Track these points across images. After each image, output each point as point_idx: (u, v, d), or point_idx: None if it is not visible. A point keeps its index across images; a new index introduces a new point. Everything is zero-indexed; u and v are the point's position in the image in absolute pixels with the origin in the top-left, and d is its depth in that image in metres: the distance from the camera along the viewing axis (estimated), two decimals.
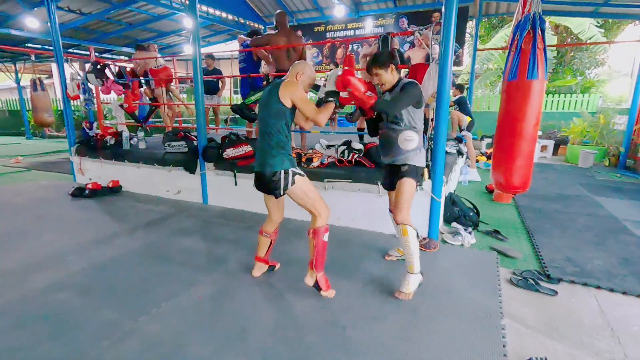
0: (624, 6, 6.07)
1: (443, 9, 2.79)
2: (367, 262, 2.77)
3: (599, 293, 2.35)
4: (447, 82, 2.83)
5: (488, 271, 2.62)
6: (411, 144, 2.26)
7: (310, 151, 3.84)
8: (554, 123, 8.75)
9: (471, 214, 3.47)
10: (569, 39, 10.72)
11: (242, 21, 9.10)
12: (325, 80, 2.32)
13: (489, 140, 8.28)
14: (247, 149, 3.89)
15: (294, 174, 2.15)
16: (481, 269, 2.66)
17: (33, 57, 7.47)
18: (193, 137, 4.60)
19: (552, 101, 9.18)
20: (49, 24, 5.11)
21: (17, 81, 12.51)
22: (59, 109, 12.38)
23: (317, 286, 2.26)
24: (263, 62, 4.91)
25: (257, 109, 4.24)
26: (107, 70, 5.32)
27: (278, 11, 4.10)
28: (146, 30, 9.31)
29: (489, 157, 7.18)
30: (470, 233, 3.16)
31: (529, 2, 2.69)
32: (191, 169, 4.26)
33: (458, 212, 3.48)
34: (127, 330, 1.93)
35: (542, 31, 2.53)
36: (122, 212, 4.02)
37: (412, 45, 8.26)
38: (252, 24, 9.39)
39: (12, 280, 2.46)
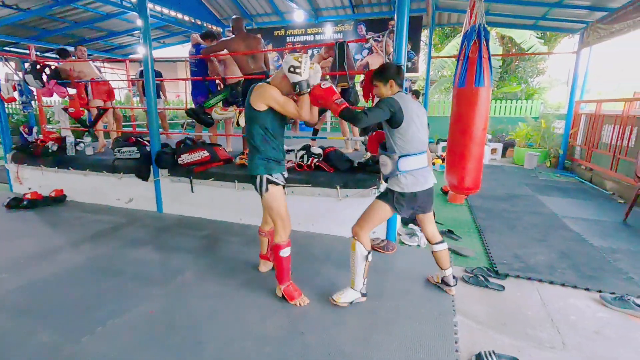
0: (559, 20, 6.63)
1: (395, 18, 2.88)
2: (328, 266, 2.77)
3: (541, 286, 2.52)
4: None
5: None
6: (384, 168, 2.18)
7: None
8: (502, 127, 9.35)
9: None
10: (514, 49, 11.54)
11: (200, 23, 8.85)
12: (295, 68, 1.98)
13: (444, 143, 8.68)
14: (203, 154, 3.77)
15: (268, 181, 2.16)
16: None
17: None
18: (145, 143, 4.37)
19: (500, 107, 9.81)
20: None
21: None
22: None
23: (284, 297, 2.26)
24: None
25: (213, 114, 4.15)
26: (47, 71, 4.93)
27: (234, 17, 4.04)
28: (94, 29, 8.76)
29: (444, 160, 7.51)
30: None
31: (474, 14, 2.85)
32: (144, 176, 4.04)
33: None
34: (68, 354, 1.78)
35: (487, 41, 2.68)
36: (67, 224, 3.73)
37: (371, 51, 8.50)
38: (209, 26, 9.16)
39: None
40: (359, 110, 2.04)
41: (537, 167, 7.36)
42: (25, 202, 4.23)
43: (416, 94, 6.15)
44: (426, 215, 2.33)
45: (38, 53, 9.08)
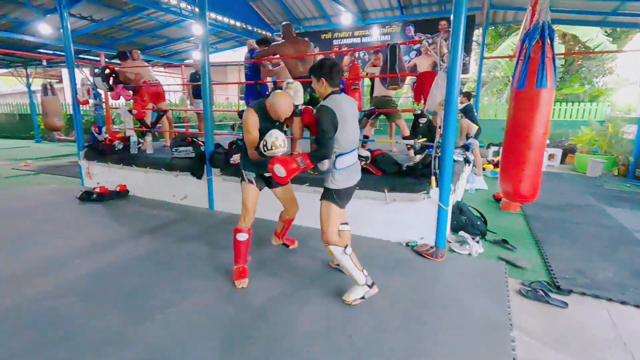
0: (633, 15, 6.03)
1: (451, 18, 2.78)
2: (373, 270, 2.73)
3: (610, 305, 2.30)
4: (455, 90, 2.82)
5: (496, 281, 2.58)
6: (322, 166, 2.23)
7: None
8: (561, 132, 8.68)
9: (479, 222, 3.43)
10: (577, 48, 10.68)
11: (250, 28, 9.19)
12: (267, 148, 2.25)
13: (496, 148, 8.23)
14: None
15: (242, 176, 2.57)
16: (489, 279, 2.62)
17: (45, 63, 7.60)
18: (200, 143, 4.62)
19: (560, 109, 9.11)
20: (61, 30, 5.20)
21: (28, 86, 12.72)
22: (68, 113, 12.56)
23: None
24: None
25: None
26: (114, 76, 5.38)
27: (284, 23, 4.15)
28: (155, 37, 9.43)
29: (495, 165, 7.13)
30: (478, 242, 3.12)
31: (537, 11, 2.69)
32: (198, 175, 4.27)
33: (465, 221, 3.45)
34: (131, 337, 1.92)
35: (551, 40, 2.52)
36: (129, 217, 4.03)
37: (419, 53, 8.30)
38: (259, 31, 9.49)
39: (16, 284, 2.47)
40: (318, 155, 2.14)
41: (601, 176, 6.74)
42: (94, 196, 4.64)
43: (467, 95, 5.91)
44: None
45: (107, 59, 9.99)
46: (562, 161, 8.21)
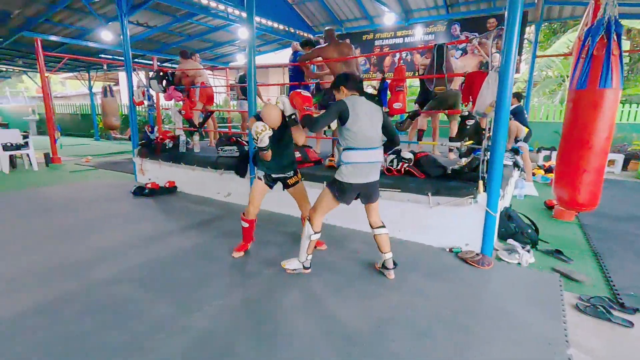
0: None
1: (506, 14, 2.65)
2: (413, 274, 2.68)
3: None
4: (508, 91, 2.69)
5: (550, 294, 2.42)
6: (336, 157, 2.45)
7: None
8: (623, 135, 7.97)
9: (529, 231, 3.24)
10: None
11: (293, 31, 9.35)
12: (257, 138, 2.51)
13: (547, 152, 7.73)
14: (296, 155, 3.96)
15: (255, 176, 2.90)
16: (542, 291, 2.47)
17: (105, 67, 8.24)
18: (244, 142, 4.77)
19: (623, 111, 8.37)
20: (120, 36, 5.60)
21: (90, 88, 13.83)
22: (123, 113, 13.50)
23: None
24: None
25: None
26: (168, 77, 5.71)
27: (326, 27, 4.21)
28: (203, 41, 9.89)
29: (547, 171, 6.71)
30: (528, 251, 2.95)
31: (602, 5, 2.49)
32: (241, 173, 4.41)
33: (515, 229, 3.27)
34: (182, 325, 2.02)
35: (619, 36, 2.33)
36: (177, 212, 4.25)
37: (465, 52, 8.00)
38: (301, 33, 9.62)
39: (80, 270, 2.70)
40: (309, 117, 2.38)
41: None
42: (146, 191, 4.95)
43: (517, 96, 5.60)
44: (371, 205, 2.58)
45: (158, 63, 10.62)
46: (624, 168, 7.54)
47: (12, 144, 6.79)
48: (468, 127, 3.53)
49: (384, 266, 2.65)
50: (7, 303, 2.24)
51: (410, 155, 3.49)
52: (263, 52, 11.17)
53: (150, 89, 5.67)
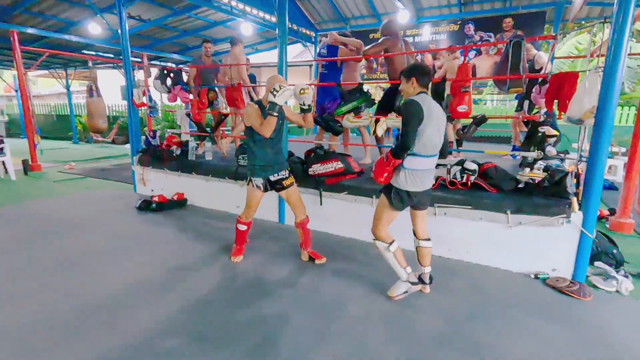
0: None
1: (615, 10, 2.28)
2: (515, 311, 2.26)
3: None
4: (615, 95, 2.33)
5: None
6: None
7: None
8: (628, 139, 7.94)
9: (614, 251, 2.90)
10: None
11: (296, 28, 8.84)
12: (276, 91, 2.36)
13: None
14: (337, 165, 3.49)
15: (249, 181, 2.81)
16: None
17: (91, 64, 7.43)
18: None
19: (624, 114, 8.35)
20: (116, 30, 4.95)
21: (67, 87, 12.79)
22: (110, 115, 12.55)
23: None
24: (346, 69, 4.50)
25: (344, 122, 3.87)
26: (171, 77, 5.10)
27: (386, 20, 3.87)
28: (199, 37, 9.19)
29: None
30: (626, 276, 2.60)
31: None
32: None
33: (597, 248, 2.93)
34: None
35: None
36: (198, 231, 3.68)
37: (479, 53, 7.75)
38: (304, 31, 9.15)
39: (108, 317, 2.13)
40: (397, 145, 2.16)
41: None
42: (154, 205, 4.34)
43: None
44: (421, 212, 2.39)
45: (147, 61, 9.85)
46: None
47: None
48: (539, 134, 3.18)
49: (420, 279, 2.44)
50: None
51: (475, 166, 3.09)
52: (260, 50, 10.58)
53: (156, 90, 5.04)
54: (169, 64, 10.62)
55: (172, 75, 5.13)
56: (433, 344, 1.94)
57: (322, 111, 4.26)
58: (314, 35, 9.56)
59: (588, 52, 2.66)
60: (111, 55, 9.96)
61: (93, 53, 9.58)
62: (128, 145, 6.25)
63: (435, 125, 2.14)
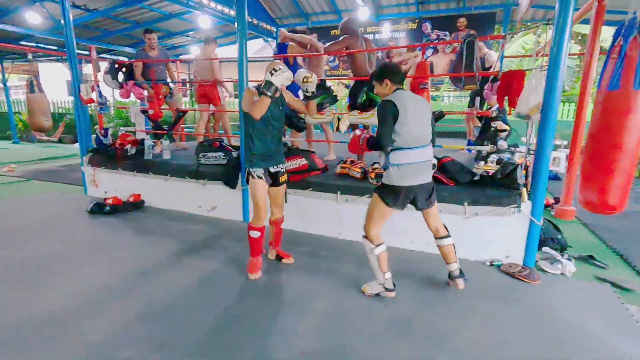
0: None
1: (556, 11, 2.45)
2: (475, 297, 2.39)
3: None
4: (557, 91, 2.51)
5: (617, 310, 2.28)
6: (380, 160, 2.26)
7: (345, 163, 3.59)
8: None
9: (559, 236, 3.14)
10: None
11: (256, 22, 8.66)
12: (275, 71, 2.29)
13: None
14: (301, 162, 3.48)
15: (249, 173, 2.56)
16: (607, 307, 2.33)
17: (30, 56, 6.82)
18: (230, 148, 4.14)
19: (567, 110, 9.08)
20: (59, 20, 4.57)
21: (4, 82, 11.66)
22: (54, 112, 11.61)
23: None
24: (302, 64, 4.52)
25: (307, 118, 3.86)
26: (123, 71, 4.81)
27: (346, 18, 3.90)
28: (154, 30, 8.74)
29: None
30: (569, 260, 2.83)
31: (632, 7, 2.41)
32: (232, 184, 3.80)
33: (544, 234, 3.15)
34: None
35: None
36: (157, 233, 3.52)
37: (436, 51, 8.04)
38: (265, 26, 8.98)
39: (57, 331, 1.97)
40: (373, 142, 2.21)
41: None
42: (107, 208, 4.08)
43: None
44: (428, 211, 2.39)
45: (96, 54, 9.19)
46: None
47: None
48: (492, 129, 3.36)
49: (450, 277, 2.49)
50: None
51: (434, 161, 3.20)
52: (220, 44, 10.23)
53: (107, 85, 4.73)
54: (121, 58, 10.01)
55: (124, 69, 4.84)
56: (396, 334, 1.99)
57: None
58: (275, 30, 9.42)
59: (534, 52, 2.83)
60: (54, 48, 9.20)
61: (33, 44, 8.80)
62: (77, 145, 5.83)
63: (413, 117, 2.14)
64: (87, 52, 9.09)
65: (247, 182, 2.59)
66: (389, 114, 2.11)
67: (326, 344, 1.91)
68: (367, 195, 3.17)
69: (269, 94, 2.29)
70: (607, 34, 9.26)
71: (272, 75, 2.27)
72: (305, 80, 2.45)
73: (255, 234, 2.61)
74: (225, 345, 1.88)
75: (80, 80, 4.72)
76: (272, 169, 2.61)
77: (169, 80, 5.30)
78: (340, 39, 3.89)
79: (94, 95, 4.84)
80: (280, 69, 2.29)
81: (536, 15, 7.53)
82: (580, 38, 9.99)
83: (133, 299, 2.32)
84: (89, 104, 4.81)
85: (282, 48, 4.43)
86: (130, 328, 2.01)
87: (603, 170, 2.46)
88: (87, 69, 5.35)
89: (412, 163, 2.19)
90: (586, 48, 3.29)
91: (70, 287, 2.45)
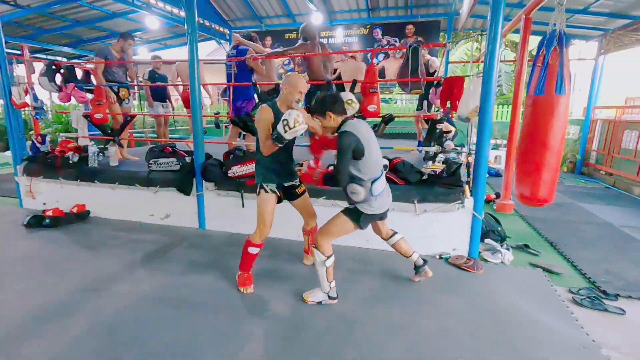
0: (578, 27, 6.64)
1: (488, 20, 2.68)
2: (424, 289, 2.54)
3: None
4: (492, 95, 2.75)
5: (547, 292, 2.55)
6: (357, 196, 2.14)
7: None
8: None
9: (499, 228, 3.43)
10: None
11: (208, 24, 8.46)
12: (289, 127, 2.10)
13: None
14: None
15: (260, 187, 2.47)
16: (539, 289, 2.59)
17: None
18: (183, 153, 4.02)
19: (502, 112, 9.87)
20: None
21: None
22: None
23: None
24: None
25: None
26: (62, 73, 4.49)
27: (305, 23, 3.97)
28: (95, 29, 8.21)
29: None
30: (508, 249, 3.10)
31: (553, 19, 2.71)
32: (186, 190, 3.69)
33: (486, 227, 3.42)
34: None
35: (567, 48, 2.57)
36: (104, 245, 3.33)
37: (387, 56, 8.37)
38: (217, 27, 8.81)
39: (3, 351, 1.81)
40: (331, 178, 2.24)
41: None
42: (47, 221, 3.78)
43: None
44: (384, 221, 2.52)
45: (29, 53, 8.45)
46: None
47: None
48: (437, 131, 3.58)
49: (416, 269, 2.62)
50: None
51: (386, 162, 3.35)
52: (170, 46, 9.89)
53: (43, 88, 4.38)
54: (59, 58, 9.28)
55: (62, 71, 4.51)
56: (354, 331, 2.07)
57: (237, 111, 4.19)
58: (228, 32, 9.27)
59: (471, 58, 3.08)
60: None
61: None
62: (9, 153, 5.33)
63: (373, 144, 2.18)
64: (18, 52, 8.38)
65: (257, 194, 2.49)
66: (349, 147, 2.05)
67: (286, 348, 1.93)
68: (324, 197, 3.24)
69: (280, 145, 2.21)
70: (536, 42, 10.30)
71: (284, 132, 2.09)
72: (293, 124, 2.12)
73: (253, 250, 2.51)
74: (184, 354, 1.84)
75: (11, 82, 4.33)
76: (286, 184, 2.54)
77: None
78: (298, 44, 3.97)
79: (27, 99, 4.47)
80: (295, 126, 2.08)
81: (476, 24, 8.12)
82: (515, 46, 10.92)
83: (79, 316, 2.18)
84: (22, 109, 4.43)
85: (240, 52, 4.33)
86: (79, 347, 1.90)
87: (533, 166, 2.71)
88: (20, 70, 4.91)
89: (385, 188, 2.28)
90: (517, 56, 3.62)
91: (5, 308, 2.25)
